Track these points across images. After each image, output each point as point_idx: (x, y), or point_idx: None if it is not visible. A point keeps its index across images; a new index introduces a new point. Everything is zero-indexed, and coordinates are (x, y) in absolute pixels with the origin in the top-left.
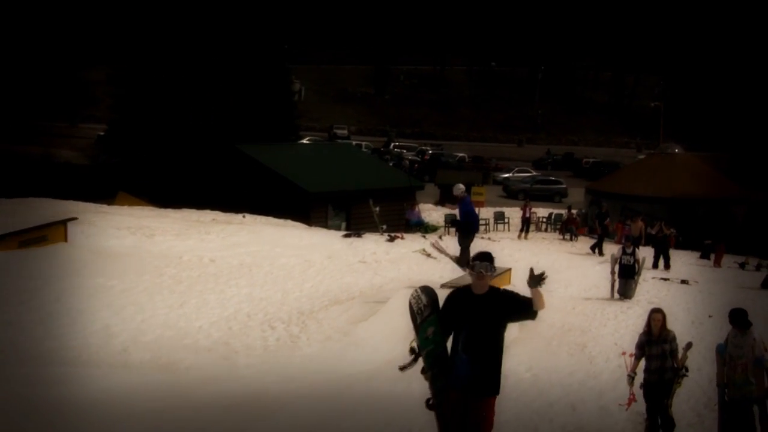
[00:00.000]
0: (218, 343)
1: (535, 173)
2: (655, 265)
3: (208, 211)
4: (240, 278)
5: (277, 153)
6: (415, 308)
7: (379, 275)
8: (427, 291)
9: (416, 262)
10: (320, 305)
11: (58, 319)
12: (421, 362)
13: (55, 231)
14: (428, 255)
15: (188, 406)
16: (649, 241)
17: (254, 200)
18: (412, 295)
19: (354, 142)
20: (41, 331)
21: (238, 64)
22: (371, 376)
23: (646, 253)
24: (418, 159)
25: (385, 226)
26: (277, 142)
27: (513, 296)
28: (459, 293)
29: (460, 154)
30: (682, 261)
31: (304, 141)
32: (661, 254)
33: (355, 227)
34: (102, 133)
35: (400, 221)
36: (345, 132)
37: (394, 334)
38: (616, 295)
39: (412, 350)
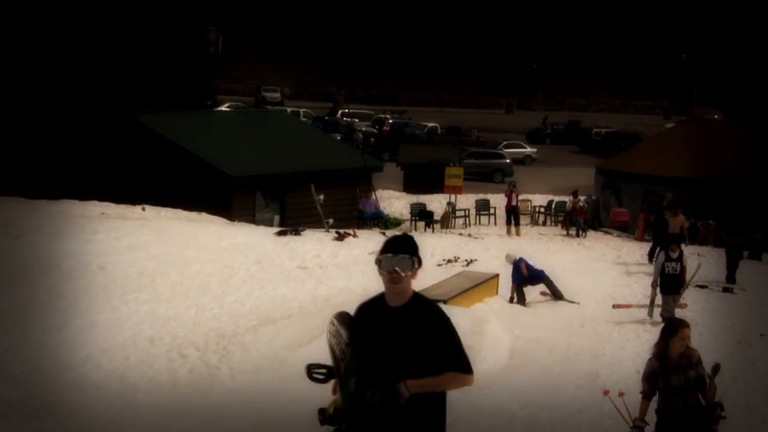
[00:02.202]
0: (111, 377)
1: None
2: (731, 279)
3: (95, 203)
4: (139, 291)
5: (186, 124)
6: (337, 352)
7: (325, 285)
8: (345, 320)
9: (373, 267)
10: (246, 325)
11: None
12: None
13: None
14: None
15: None
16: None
17: (157, 188)
18: (328, 330)
19: (289, 109)
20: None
21: (130, 6)
22: (315, 418)
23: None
24: (375, 130)
25: (331, 221)
26: (187, 110)
27: (444, 329)
28: (368, 307)
29: (430, 124)
30: (725, 262)
31: (223, 108)
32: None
33: (291, 222)
34: None
35: (351, 213)
36: (277, 96)
37: None
38: (657, 316)
39: (328, 417)
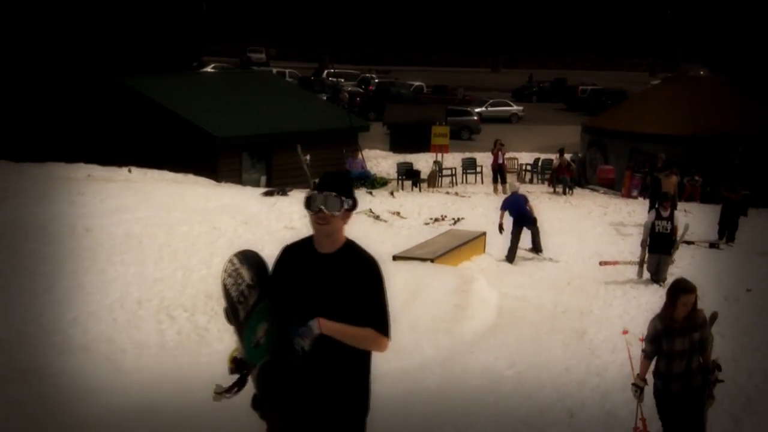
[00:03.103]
0: (98, 340)
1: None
2: (722, 236)
3: (80, 165)
4: (126, 253)
5: (173, 86)
6: (233, 293)
7: None
8: (250, 260)
9: (360, 227)
10: None
11: None
12: (251, 386)
13: None
14: (376, 217)
15: (56, 427)
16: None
17: (143, 149)
18: (224, 269)
19: (275, 70)
20: None
21: None
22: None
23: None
24: (361, 90)
25: (317, 181)
26: (173, 72)
27: (373, 283)
28: (294, 250)
29: (416, 83)
30: (711, 218)
31: (208, 69)
32: (730, 222)
33: (278, 182)
34: None
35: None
36: (263, 56)
37: None
38: (646, 275)
39: (234, 367)
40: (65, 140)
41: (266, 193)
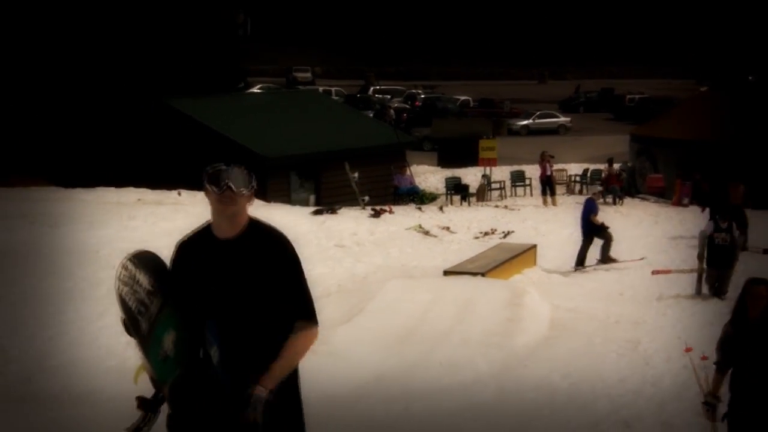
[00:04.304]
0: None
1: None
2: None
3: (131, 189)
4: None
5: (219, 107)
6: (131, 304)
7: (362, 262)
8: (147, 262)
9: (410, 243)
10: None
11: None
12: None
13: None
14: (426, 232)
15: None
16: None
17: (192, 171)
18: (118, 276)
19: (321, 88)
20: None
21: None
22: (358, 397)
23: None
24: (407, 106)
25: (367, 198)
26: (219, 93)
27: (287, 263)
28: (191, 242)
29: (463, 97)
30: (764, 224)
31: (255, 90)
32: None
33: (327, 201)
34: None
35: (386, 190)
36: (308, 75)
37: (385, 339)
38: (705, 291)
39: (139, 403)
40: (114, 164)
41: (315, 212)
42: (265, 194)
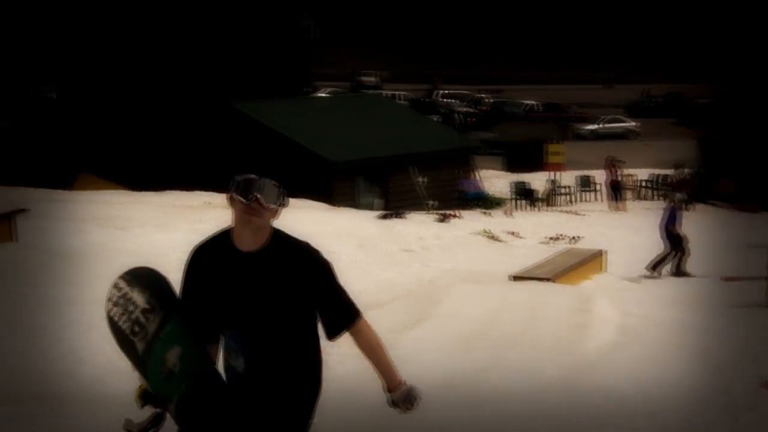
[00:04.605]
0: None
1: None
2: None
3: (199, 193)
4: None
5: (286, 111)
6: (123, 326)
7: (430, 267)
8: (141, 280)
9: (477, 248)
10: None
11: (8, 343)
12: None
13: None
14: (493, 237)
15: None
16: None
17: (260, 175)
18: (109, 297)
19: (386, 93)
20: None
21: None
22: (425, 402)
23: None
24: (473, 110)
25: (433, 202)
26: (286, 97)
27: (321, 272)
28: (208, 251)
29: (529, 102)
30: None
31: (321, 94)
32: None
33: (394, 205)
34: (53, 95)
35: (453, 194)
36: (374, 79)
37: (453, 344)
38: None
39: (145, 399)
40: (183, 168)
41: (382, 216)
42: (332, 198)
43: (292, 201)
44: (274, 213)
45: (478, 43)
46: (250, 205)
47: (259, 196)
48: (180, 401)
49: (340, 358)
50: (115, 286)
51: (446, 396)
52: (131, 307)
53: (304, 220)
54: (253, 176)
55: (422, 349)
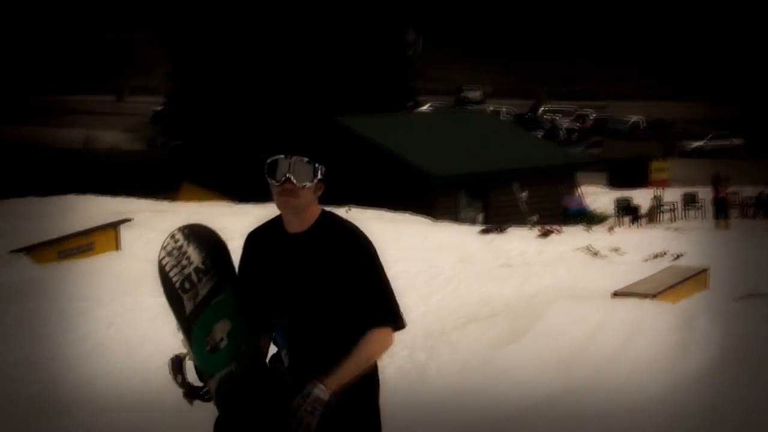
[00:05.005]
0: None
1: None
2: None
3: None
4: None
5: (389, 126)
6: (174, 278)
7: (530, 282)
8: (201, 237)
9: (578, 264)
10: (453, 324)
11: (113, 352)
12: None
13: (104, 237)
14: (595, 253)
15: None
16: None
17: (361, 188)
18: (163, 245)
19: (490, 108)
20: (91, 367)
21: (331, 9)
22: (523, 419)
23: None
24: (577, 126)
25: (535, 217)
26: (389, 112)
27: (365, 259)
28: (261, 235)
29: (634, 118)
30: None
31: (424, 108)
32: None
33: (495, 220)
34: (158, 109)
35: (555, 210)
36: (478, 95)
37: (552, 361)
38: None
39: (177, 369)
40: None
41: (483, 231)
42: (433, 212)
43: (394, 215)
44: (313, 191)
45: (584, 58)
46: (283, 187)
47: (289, 176)
48: (223, 380)
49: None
50: (171, 236)
51: (544, 413)
52: (185, 261)
53: (404, 233)
54: (281, 156)
55: (521, 365)
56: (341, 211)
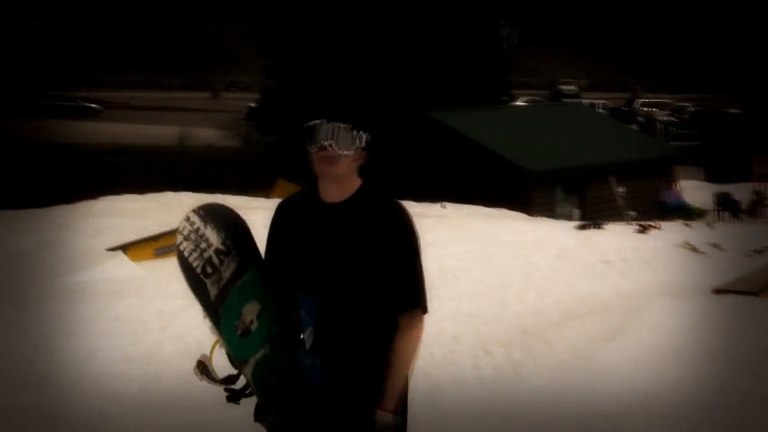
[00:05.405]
0: (417, 373)
1: None
2: None
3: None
4: (441, 288)
5: (483, 120)
6: (195, 263)
7: (628, 279)
8: (218, 217)
9: (678, 260)
10: (550, 321)
11: (208, 349)
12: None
13: None
14: (694, 249)
15: None
16: None
17: (455, 184)
18: (180, 230)
19: (586, 101)
20: (188, 365)
21: (425, 3)
22: (624, 416)
23: None
24: (675, 120)
25: (633, 213)
26: (483, 106)
27: (402, 240)
28: (293, 203)
29: (733, 111)
30: None
31: (519, 103)
32: None
33: (592, 215)
34: (253, 105)
35: (653, 205)
36: (573, 88)
37: (651, 358)
38: None
39: (205, 373)
40: (378, 177)
41: (580, 227)
42: (529, 208)
43: (489, 210)
44: (354, 159)
45: (682, 49)
46: (322, 154)
47: (328, 142)
48: (259, 364)
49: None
50: (187, 219)
51: (644, 411)
52: (204, 245)
53: (501, 229)
54: (320, 121)
55: (619, 362)
56: (435, 207)
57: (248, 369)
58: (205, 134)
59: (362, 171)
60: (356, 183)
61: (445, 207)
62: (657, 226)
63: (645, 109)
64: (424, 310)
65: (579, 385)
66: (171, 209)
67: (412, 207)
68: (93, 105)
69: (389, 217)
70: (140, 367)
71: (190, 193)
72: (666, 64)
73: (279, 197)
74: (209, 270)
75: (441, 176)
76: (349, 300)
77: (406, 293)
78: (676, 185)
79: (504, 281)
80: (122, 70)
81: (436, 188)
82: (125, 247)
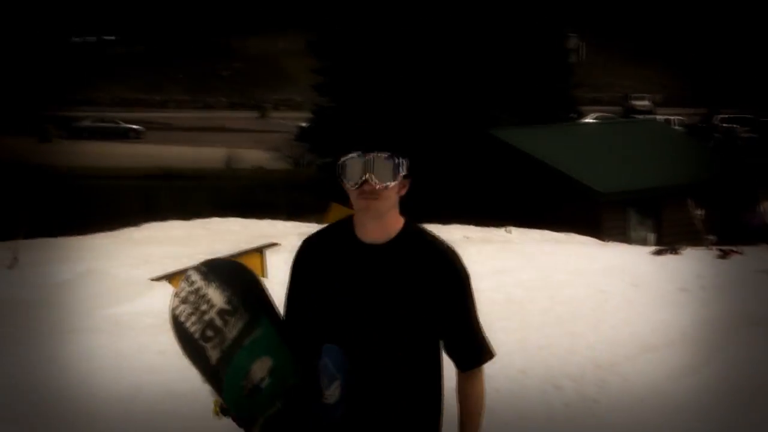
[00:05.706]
0: None
1: None
2: None
3: (456, 226)
4: (508, 319)
5: (550, 139)
6: (192, 328)
7: (709, 308)
8: (221, 273)
9: (762, 287)
10: (624, 354)
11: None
12: None
13: (249, 263)
14: None
15: None
16: None
17: (521, 207)
18: (176, 293)
19: (661, 117)
20: None
21: (488, 16)
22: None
23: None
24: (757, 136)
25: (713, 237)
26: (549, 124)
27: (458, 286)
28: (324, 241)
29: None
30: None
31: (588, 120)
32: None
33: (668, 240)
34: (304, 125)
35: (734, 228)
36: (647, 103)
37: (734, 393)
38: None
39: (225, 412)
40: (439, 199)
41: (656, 252)
42: (600, 232)
43: (557, 235)
44: (398, 190)
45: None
46: (362, 189)
47: (368, 176)
48: (269, 422)
49: None
50: (187, 279)
51: None
52: (204, 306)
53: (570, 255)
54: (356, 155)
55: (699, 398)
56: (500, 232)
57: (256, 429)
58: (253, 156)
59: (414, 195)
60: (399, 221)
61: (510, 232)
62: (739, 251)
63: (725, 125)
64: (492, 356)
65: (656, 424)
66: (218, 236)
67: (475, 232)
68: (135, 126)
69: (444, 263)
70: (187, 405)
71: (237, 219)
72: (746, 78)
73: (332, 221)
74: (209, 333)
75: (506, 199)
76: (391, 351)
77: (474, 348)
78: (759, 207)
79: (574, 311)
80: (166, 89)
81: (500, 212)
82: (170, 277)
